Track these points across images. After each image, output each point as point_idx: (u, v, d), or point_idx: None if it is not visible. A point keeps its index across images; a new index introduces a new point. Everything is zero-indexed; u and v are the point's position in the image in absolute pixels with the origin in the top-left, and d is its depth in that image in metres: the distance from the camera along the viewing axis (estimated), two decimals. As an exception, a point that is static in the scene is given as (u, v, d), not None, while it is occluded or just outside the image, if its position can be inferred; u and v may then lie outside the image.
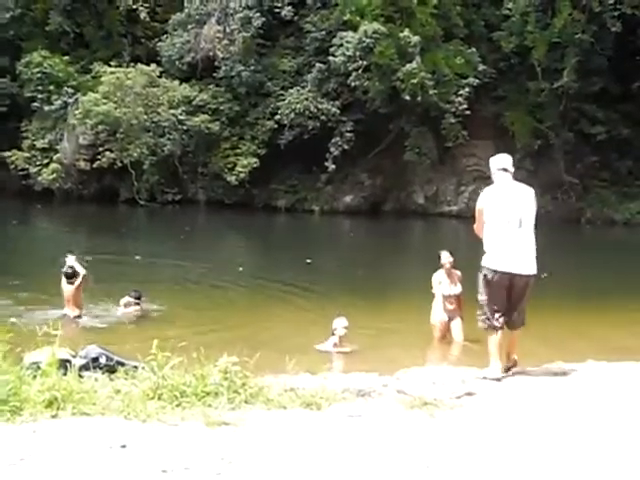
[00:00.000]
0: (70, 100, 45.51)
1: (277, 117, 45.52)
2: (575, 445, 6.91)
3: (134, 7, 48.44)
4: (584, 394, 8.73)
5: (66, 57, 47.38)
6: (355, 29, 44.12)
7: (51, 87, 46.23)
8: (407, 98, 43.32)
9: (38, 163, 45.85)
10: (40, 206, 43.87)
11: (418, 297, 17.42)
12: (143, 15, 49.00)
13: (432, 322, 16.07)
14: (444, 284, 15.98)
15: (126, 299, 18.18)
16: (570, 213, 44.98)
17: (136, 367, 8.19)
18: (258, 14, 45.87)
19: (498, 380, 9.26)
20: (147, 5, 49.07)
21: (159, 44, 47.93)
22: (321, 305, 19.23)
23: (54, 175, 45.12)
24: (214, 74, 46.62)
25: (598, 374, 9.73)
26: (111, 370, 8.42)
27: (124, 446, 6.27)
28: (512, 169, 9.84)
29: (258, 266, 28.01)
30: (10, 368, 7.26)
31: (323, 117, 44.87)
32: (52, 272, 18.75)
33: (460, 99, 44.45)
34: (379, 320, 17.61)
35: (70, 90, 45.89)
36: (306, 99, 45.01)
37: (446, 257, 16.16)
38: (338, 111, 45.17)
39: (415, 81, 43.08)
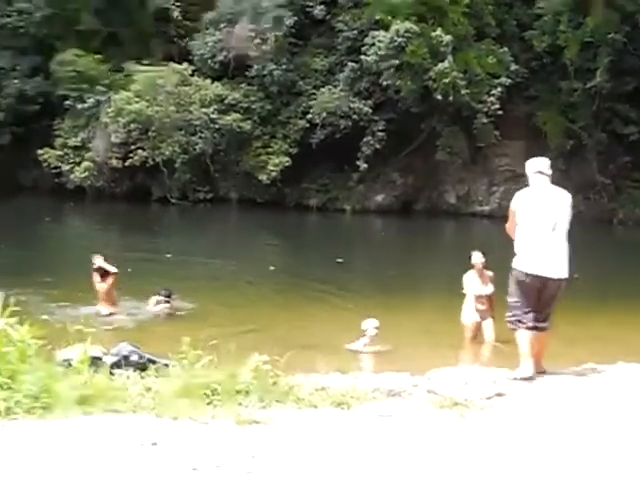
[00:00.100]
0: (102, 98, 45.65)
1: (309, 116, 45.37)
2: (606, 447, 6.87)
3: (166, 6, 48.52)
4: (614, 396, 8.66)
5: (98, 56, 47.51)
6: (387, 28, 43.97)
7: (83, 86, 46.38)
8: (439, 97, 43.13)
9: (71, 161, 45.91)
10: (72, 204, 44.00)
11: (449, 297, 17.42)
12: (175, 14, 49.13)
13: (463, 322, 16.08)
14: (475, 284, 15.96)
15: (156, 297, 18.29)
16: (602, 214, 44.57)
17: (167, 365, 8.22)
18: (290, 13, 45.87)
19: (529, 380, 9.20)
20: (179, 4, 49.15)
21: (191, 43, 48.03)
22: (354, 304, 19.23)
23: (86, 173, 45.22)
24: (246, 73, 46.59)
25: (629, 376, 9.66)
26: (142, 368, 8.42)
27: (155, 444, 6.28)
28: (549, 172, 9.75)
29: (289, 265, 28.02)
30: (42, 365, 7.29)
31: (355, 116, 44.70)
32: (84, 270, 18.86)
33: (492, 99, 44.20)
34: (410, 320, 17.61)
35: (102, 89, 46.06)
36: (338, 98, 44.84)
37: (477, 257, 16.16)
38: (370, 110, 44.95)
39: (447, 80, 42.90)
